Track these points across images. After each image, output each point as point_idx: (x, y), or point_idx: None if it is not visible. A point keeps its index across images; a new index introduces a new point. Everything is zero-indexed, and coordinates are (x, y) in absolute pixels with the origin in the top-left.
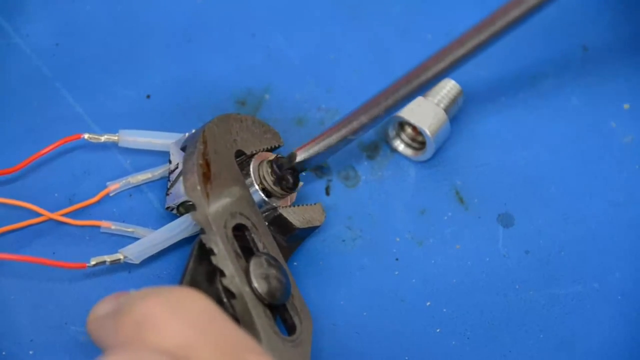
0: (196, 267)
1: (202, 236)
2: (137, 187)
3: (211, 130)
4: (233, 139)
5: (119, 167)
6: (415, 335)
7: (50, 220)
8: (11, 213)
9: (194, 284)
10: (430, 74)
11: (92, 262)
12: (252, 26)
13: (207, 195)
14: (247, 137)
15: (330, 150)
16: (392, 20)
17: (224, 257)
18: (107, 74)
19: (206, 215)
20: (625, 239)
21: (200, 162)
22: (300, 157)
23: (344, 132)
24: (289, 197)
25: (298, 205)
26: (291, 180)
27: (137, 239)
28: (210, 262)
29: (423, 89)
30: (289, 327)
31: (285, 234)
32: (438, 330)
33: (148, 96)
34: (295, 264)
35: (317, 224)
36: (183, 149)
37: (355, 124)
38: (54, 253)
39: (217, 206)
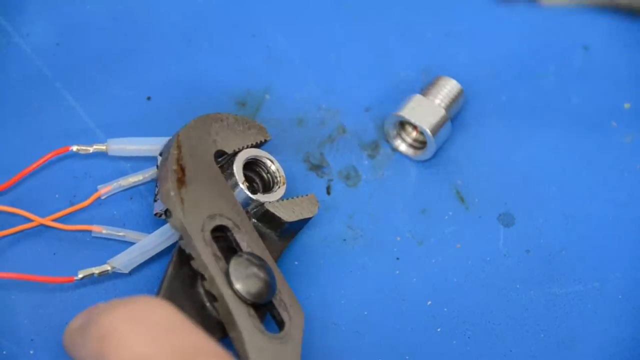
0: (176, 273)
1: (180, 242)
2: (138, 191)
3: (186, 133)
4: (212, 139)
5: (119, 169)
6: (415, 334)
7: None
8: (8, 218)
9: (172, 289)
10: None
11: (80, 276)
12: (252, 26)
13: (182, 201)
14: (229, 135)
15: None
16: (393, 20)
17: (202, 261)
18: (107, 74)
19: (181, 221)
20: (625, 238)
21: (174, 167)
22: None
23: None
24: (277, 192)
25: (289, 199)
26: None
27: (132, 242)
28: (191, 266)
29: None
30: (278, 324)
31: (276, 229)
32: (439, 330)
33: (149, 98)
34: (296, 263)
35: (309, 215)
36: (161, 154)
37: None
38: (54, 254)
39: (193, 210)
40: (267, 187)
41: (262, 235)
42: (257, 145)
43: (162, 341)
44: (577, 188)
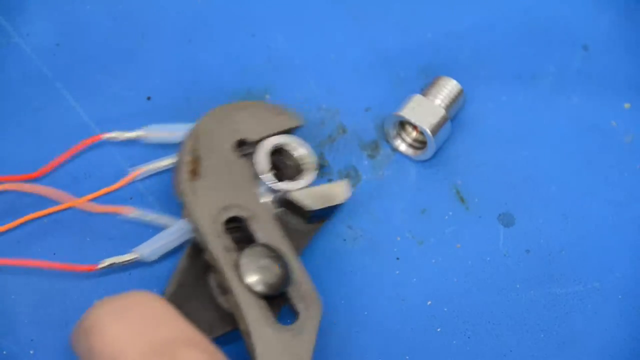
0: (188, 265)
1: (194, 233)
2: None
3: (205, 123)
4: (233, 128)
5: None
6: (415, 334)
7: (74, 210)
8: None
9: (181, 282)
10: None
11: (103, 264)
12: (252, 26)
13: (194, 192)
14: (253, 123)
15: None
16: (392, 20)
17: (212, 253)
18: (107, 74)
19: (192, 212)
20: (625, 238)
21: (188, 158)
22: None
23: None
24: (304, 179)
25: (318, 185)
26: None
27: (159, 229)
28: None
29: None
30: (295, 315)
31: (303, 217)
32: (438, 330)
33: (149, 98)
34: None
35: (338, 202)
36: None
37: None
38: (58, 251)
39: (206, 201)
40: (295, 174)
41: (288, 223)
42: (289, 131)
43: (143, 332)
44: (578, 187)
